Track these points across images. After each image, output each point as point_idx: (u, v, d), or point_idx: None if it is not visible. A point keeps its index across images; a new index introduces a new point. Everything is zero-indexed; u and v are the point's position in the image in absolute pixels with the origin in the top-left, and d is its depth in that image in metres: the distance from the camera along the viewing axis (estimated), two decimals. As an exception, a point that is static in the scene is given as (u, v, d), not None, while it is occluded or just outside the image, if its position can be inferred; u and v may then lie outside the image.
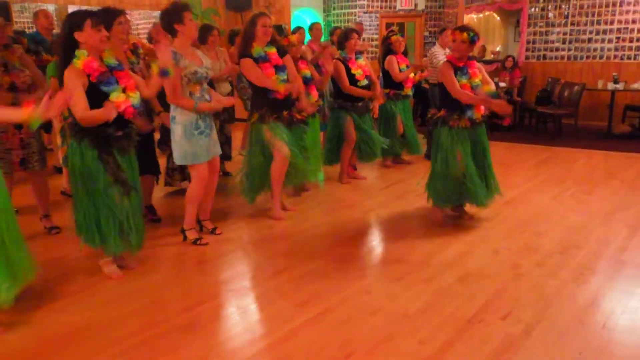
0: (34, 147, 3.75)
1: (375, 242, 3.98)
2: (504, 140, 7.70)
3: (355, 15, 11.26)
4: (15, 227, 2.62)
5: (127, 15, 4.51)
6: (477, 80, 3.84)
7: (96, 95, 2.86)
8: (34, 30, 5.77)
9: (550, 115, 7.83)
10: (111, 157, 3.00)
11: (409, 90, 5.87)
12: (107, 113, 2.85)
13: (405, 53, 5.92)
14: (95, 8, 7.46)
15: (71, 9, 7.34)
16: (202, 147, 3.57)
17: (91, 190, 2.99)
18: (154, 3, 8.37)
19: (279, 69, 4.04)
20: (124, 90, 2.97)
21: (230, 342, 2.56)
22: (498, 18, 10.63)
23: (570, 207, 4.55)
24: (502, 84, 8.64)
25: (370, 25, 11.28)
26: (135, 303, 2.93)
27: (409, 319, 2.73)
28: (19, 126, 3.60)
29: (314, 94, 4.72)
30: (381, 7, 11.34)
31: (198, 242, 3.72)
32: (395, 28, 9.95)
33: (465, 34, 3.72)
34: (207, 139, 3.60)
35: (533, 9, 9.05)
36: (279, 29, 7.24)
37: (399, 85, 5.77)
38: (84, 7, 7.56)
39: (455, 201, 4.09)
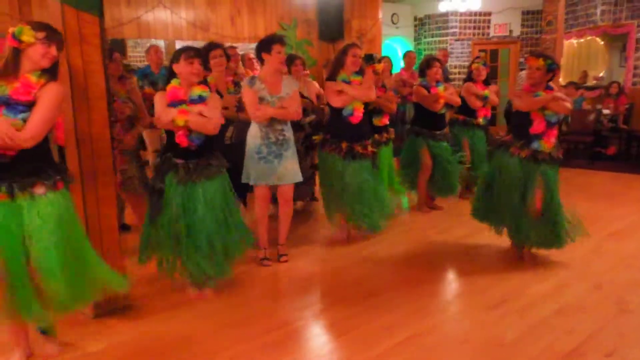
0: (130, 172, 4.11)
1: (463, 270, 3.87)
2: (609, 170, 7.24)
3: (446, 43, 11.20)
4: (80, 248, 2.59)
5: (235, 49, 4.88)
6: (550, 111, 3.55)
7: None
8: (146, 64, 6.31)
9: (661, 144, 7.26)
10: (157, 181, 3.12)
11: (480, 120, 5.59)
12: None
13: (486, 82, 5.69)
14: (200, 43, 8.05)
15: (179, 44, 8.00)
16: (260, 172, 3.68)
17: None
18: (252, 36, 8.87)
19: None
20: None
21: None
22: (602, 42, 10.09)
23: (684, 243, 4.18)
24: (605, 111, 8.16)
25: (462, 53, 11.17)
26: (225, 319, 3.07)
27: (502, 349, 2.64)
28: None
29: (385, 120, 4.80)
30: (473, 34, 11.20)
31: (263, 262, 3.86)
32: (482, 55, 9.82)
33: (540, 61, 3.54)
34: (267, 165, 3.67)
35: (641, 32, 8.51)
36: (369, 57, 7.41)
37: (471, 113, 5.55)
38: (190, 43, 8.19)
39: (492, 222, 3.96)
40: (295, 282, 3.64)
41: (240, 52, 6.50)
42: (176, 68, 3.08)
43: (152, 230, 3.13)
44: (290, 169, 3.76)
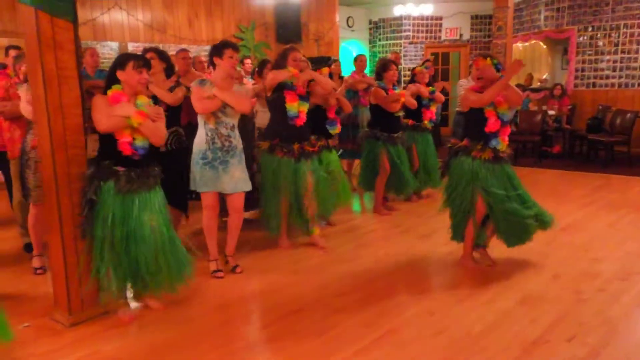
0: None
1: (429, 267, 4.04)
2: (554, 168, 7.67)
3: (400, 46, 11.52)
4: None
5: (187, 52, 4.84)
6: (503, 109, 3.62)
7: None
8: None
9: (602, 142, 7.76)
10: (93, 190, 2.94)
11: (427, 123, 5.75)
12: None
13: (429, 84, 5.82)
14: (158, 45, 7.93)
15: (132, 46, 7.86)
16: (206, 178, 3.60)
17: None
18: (210, 39, 8.83)
19: (302, 98, 4.15)
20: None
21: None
22: (544, 46, 10.65)
23: (629, 234, 4.53)
24: (550, 112, 8.63)
25: (415, 56, 11.51)
26: (203, 325, 3.12)
27: (474, 340, 2.81)
28: None
29: (338, 126, 4.79)
30: (426, 38, 11.56)
31: (215, 274, 3.74)
32: (431, 57, 10.16)
33: (488, 60, 3.63)
34: (212, 172, 3.59)
35: (582, 38, 9.05)
36: (327, 60, 7.53)
37: (418, 117, 5.69)
38: (147, 45, 8.07)
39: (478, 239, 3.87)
40: (259, 290, 3.63)
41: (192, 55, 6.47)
42: (121, 75, 2.99)
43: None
44: (237, 177, 3.68)
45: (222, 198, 3.83)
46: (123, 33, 7.83)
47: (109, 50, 7.71)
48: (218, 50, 3.62)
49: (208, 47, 8.58)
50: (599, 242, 4.35)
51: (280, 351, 2.77)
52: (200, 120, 3.65)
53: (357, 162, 5.61)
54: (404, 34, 11.48)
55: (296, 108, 4.07)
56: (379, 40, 11.96)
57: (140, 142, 2.99)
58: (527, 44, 10.53)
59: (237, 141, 3.71)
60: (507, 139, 3.70)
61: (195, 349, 2.79)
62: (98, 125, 2.94)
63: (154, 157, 3.17)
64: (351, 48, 11.87)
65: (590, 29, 8.93)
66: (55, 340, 2.87)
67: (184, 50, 5.06)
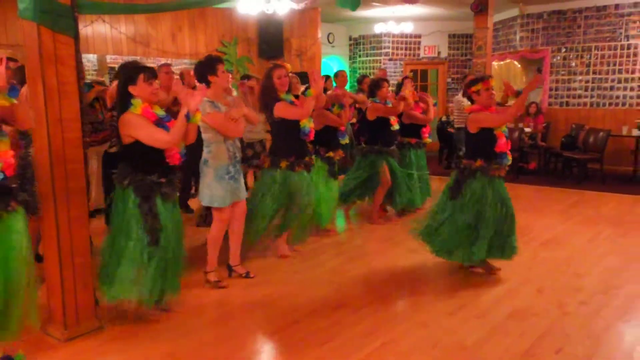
0: None
1: (422, 279, 4.12)
2: (531, 184, 7.89)
3: (380, 63, 11.73)
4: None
5: (169, 66, 4.92)
6: (505, 128, 3.88)
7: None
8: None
9: (577, 160, 8.03)
10: (151, 204, 3.07)
11: (427, 139, 6.04)
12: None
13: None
14: (142, 58, 7.92)
15: (110, 58, 7.82)
16: (229, 192, 3.71)
17: (120, 236, 3.09)
18: (193, 52, 8.86)
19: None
20: None
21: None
22: (519, 65, 10.99)
23: (607, 250, 4.70)
24: (526, 129, 8.89)
25: (394, 72, 11.72)
26: (203, 337, 3.13)
27: (468, 352, 2.90)
28: None
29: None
30: (405, 55, 11.81)
31: (218, 284, 3.79)
32: (410, 75, 10.35)
33: (492, 81, 3.91)
34: (235, 184, 3.74)
35: (555, 58, 9.39)
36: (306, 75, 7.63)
37: (418, 134, 5.94)
38: (130, 58, 8.05)
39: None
40: (257, 302, 3.65)
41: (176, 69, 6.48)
42: (133, 90, 3.04)
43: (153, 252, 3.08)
44: (243, 185, 3.90)
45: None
46: (107, 45, 7.80)
47: (85, 62, 7.62)
48: (210, 67, 3.61)
49: (190, 61, 8.64)
50: (579, 257, 4.50)
51: (279, 365, 2.81)
52: (216, 137, 3.64)
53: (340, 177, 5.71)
54: (383, 50, 11.70)
55: (308, 125, 4.18)
56: (359, 56, 12.16)
57: (182, 149, 3.20)
58: (502, 62, 10.85)
59: None
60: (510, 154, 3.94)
61: (194, 363, 2.80)
62: (156, 141, 3.05)
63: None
64: (332, 64, 12.02)
65: (563, 49, 9.27)
66: (50, 355, 2.84)
67: (167, 65, 5.09)
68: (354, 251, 4.75)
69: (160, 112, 3.18)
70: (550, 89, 9.52)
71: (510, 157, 3.90)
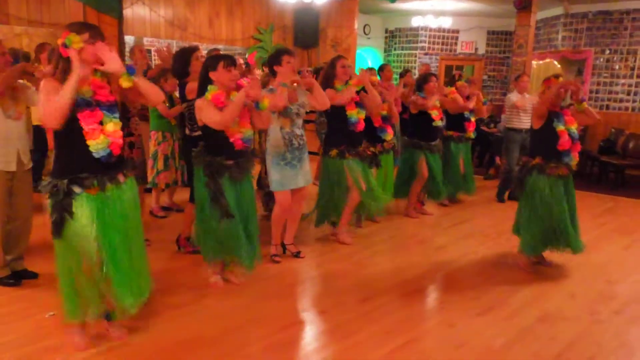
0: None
1: (451, 277, 4.08)
2: (565, 187, 7.70)
3: (415, 57, 11.58)
4: (142, 242, 2.83)
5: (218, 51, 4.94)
6: (574, 128, 3.86)
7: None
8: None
9: (614, 165, 7.81)
10: (216, 183, 3.28)
11: (471, 134, 6.13)
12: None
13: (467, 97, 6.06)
14: (179, 42, 8.00)
15: (145, 40, 7.92)
16: (287, 177, 3.91)
17: (201, 212, 3.39)
18: (230, 38, 8.90)
19: (359, 105, 4.40)
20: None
21: (326, 362, 2.73)
22: (558, 65, 10.71)
23: (643, 258, 4.57)
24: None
25: (430, 67, 11.56)
26: (236, 319, 3.16)
27: (496, 355, 2.85)
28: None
29: (390, 132, 5.01)
30: (441, 50, 11.63)
31: (274, 257, 4.10)
32: (463, 73, 10.18)
33: (560, 78, 3.86)
34: (292, 171, 3.92)
35: (598, 60, 9.11)
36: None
37: (462, 128, 6.02)
38: (168, 42, 8.14)
39: (544, 249, 4.06)
40: (293, 284, 3.77)
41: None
42: (213, 75, 3.23)
43: (214, 227, 3.32)
44: (307, 171, 4.07)
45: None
46: (144, 28, 7.89)
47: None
48: (276, 58, 3.86)
49: (225, 47, 8.68)
50: (615, 264, 4.38)
51: (305, 353, 2.81)
52: (275, 123, 3.83)
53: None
54: (419, 44, 11.54)
55: (356, 115, 4.33)
56: (394, 49, 12.02)
57: (247, 135, 3.31)
58: (541, 62, 10.59)
59: (305, 138, 4.04)
60: (577, 155, 3.90)
61: (216, 348, 2.83)
62: (210, 122, 3.19)
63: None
64: (366, 55, 11.93)
65: (607, 51, 8.99)
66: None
67: (216, 50, 5.12)
68: (382, 244, 4.73)
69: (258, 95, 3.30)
70: (591, 92, 9.24)
71: (575, 158, 3.85)
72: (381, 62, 11.81)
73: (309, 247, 4.50)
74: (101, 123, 2.46)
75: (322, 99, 3.91)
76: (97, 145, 2.45)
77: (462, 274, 4.10)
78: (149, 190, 5.40)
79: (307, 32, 9.75)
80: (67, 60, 2.38)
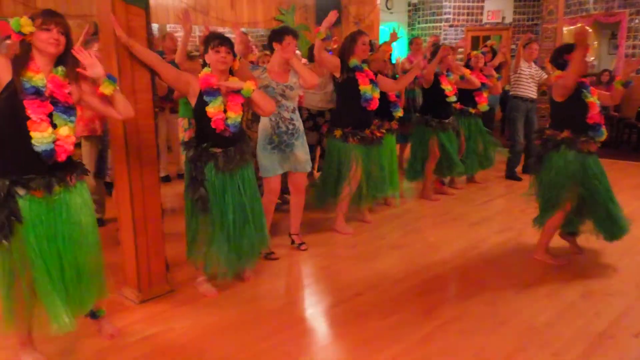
0: None
1: (484, 255, 4.02)
2: (602, 157, 7.46)
3: (440, 29, 11.31)
4: (94, 249, 2.51)
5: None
6: (596, 98, 3.59)
7: (202, 105, 3.01)
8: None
9: (653, 131, 7.54)
10: (197, 170, 3.04)
11: (482, 107, 5.68)
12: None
13: (497, 69, 5.85)
14: (201, 28, 7.96)
15: (168, 27, 7.92)
16: (273, 161, 3.70)
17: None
18: (252, 21, 8.84)
19: (373, 82, 4.18)
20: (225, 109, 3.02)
21: (366, 346, 2.72)
22: (590, 30, 10.33)
23: (688, 228, 4.41)
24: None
25: (455, 39, 11.28)
26: (268, 305, 3.20)
27: (539, 332, 2.81)
28: None
29: (400, 108, 4.91)
30: (467, 21, 11.33)
31: (269, 256, 3.82)
32: (489, 43, 9.86)
33: (590, 49, 3.65)
34: (280, 155, 3.71)
35: (633, 22, 8.74)
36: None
37: (468, 102, 5.63)
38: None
39: (571, 227, 3.79)
40: (316, 274, 3.72)
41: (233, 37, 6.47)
42: (207, 58, 3.04)
43: (198, 222, 3.11)
44: (301, 158, 3.81)
45: (283, 179, 3.97)
46: (167, 15, 7.88)
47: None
48: (279, 35, 3.63)
49: (247, 29, 8.62)
50: (657, 235, 4.25)
51: (344, 335, 2.83)
52: None
53: (409, 146, 5.65)
54: (444, 16, 11.26)
55: (370, 91, 4.10)
56: (418, 23, 11.77)
57: (232, 121, 3.01)
58: (572, 27, 10.22)
59: (300, 123, 3.80)
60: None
61: (260, 329, 2.86)
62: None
63: (244, 134, 3.24)
64: (389, 31, 11.71)
65: (643, 12, 8.61)
66: (127, 316, 2.97)
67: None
68: (413, 224, 4.69)
69: (236, 84, 3.04)
70: (626, 55, 8.89)
71: (605, 131, 3.54)
72: (406, 37, 11.59)
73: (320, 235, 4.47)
74: (53, 124, 2.26)
75: (309, 77, 3.60)
76: (41, 138, 2.22)
77: (496, 252, 4.03)
78: (167, 179, 5.37)
79: (328, 10, 9.51)
80: (23, 45, 2.23)
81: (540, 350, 2.64)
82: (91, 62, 2.35)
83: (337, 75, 4.18)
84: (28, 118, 2.21)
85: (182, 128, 5.09)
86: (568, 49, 3.58)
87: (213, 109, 2.98)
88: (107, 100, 2.47)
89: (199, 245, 3.14)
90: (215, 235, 3.07)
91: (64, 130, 2.29)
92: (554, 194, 3.63)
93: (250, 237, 3.19)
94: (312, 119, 5.03)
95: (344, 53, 4.16)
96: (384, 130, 4.49)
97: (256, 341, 2.75)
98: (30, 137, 2.22)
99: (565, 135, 3.55)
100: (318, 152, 5.28)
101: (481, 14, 11.29)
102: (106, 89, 2.39)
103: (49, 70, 2.30)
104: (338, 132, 4.19)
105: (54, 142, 2.27)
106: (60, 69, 2.32)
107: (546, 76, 5.98)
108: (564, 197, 3.59)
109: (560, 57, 3.65)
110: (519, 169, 6.31)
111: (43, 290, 2.29)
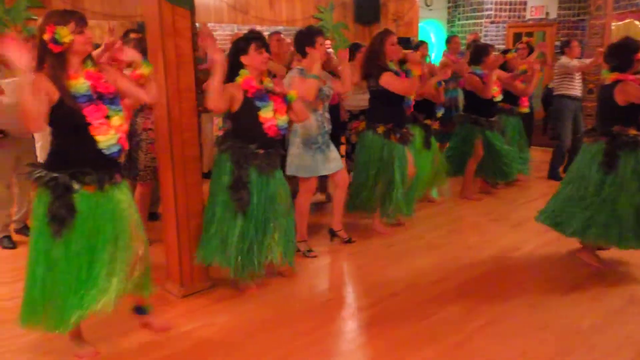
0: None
1: (526, 257, 3.94)
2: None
3: (481, 26, 11.11)
4: (129, 247, 2.47)
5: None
6: None
7: (250, 109, 3.03)
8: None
9: None
10: (243, 172, 3.01)
11: (524, 109, 5.67)
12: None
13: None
14: (241, 27, 8.07)
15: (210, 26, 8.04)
16: (318, 162, 3.72)
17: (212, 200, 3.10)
18: (290, 19, 8.90)
19: None
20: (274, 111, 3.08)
21: (402, 347, 2.71)
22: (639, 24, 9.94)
23: None
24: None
25: (496, 36, 11.07)
26: (305, 303, 3.23)
27: (583, 337, 2.75)
28: None
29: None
30: (509, 17, 11.09)
31: (309, 254, 3.84)
32: (525, 39, 9.65)
33: None
34: (323, 155, 3.74)
35: (686, 17, 8.38)
36: (407, 41, 7.41)
37: (510, 101, 5.52)
38: (231, 26, 8.24)
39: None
40: (352, 273, 3.74)
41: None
42: (245, 59, 3.03)
43: (237, 222, 3.03)
44: (337, 156, 3.89)
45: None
46: (209, 14, 8.02)
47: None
48: (309, 39, 3.61)
49: (285, 28, 8.68)
50: None
51: (380, 335, 2.82)
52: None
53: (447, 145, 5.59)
54: (485, 12, 11.05)
55: (411, 97, 4.21)
56: (458, 19, 11.60)
57: (282, 123, 3.11)
58: (620, 23, 9.87)
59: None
60: None
61: (296, 327, 2.89)
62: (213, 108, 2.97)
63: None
64: (429, 28, 11.58)
65: (697, 6, 8.24)
66: (169, 310, 3.06)
67: (277, 33, 5.14)
68: (452, 224, 4.64)
69: (268, 84, 3.13)
70: (678, 52, 8.53)
71: None
72: (445, 34, 11.43)
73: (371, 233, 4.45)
74: (107, 117, 2.34)
75: (349, 83, 3.75)
76: (106, 140, 2.33)
77: (538, 254, 3.95)
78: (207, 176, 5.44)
79: (367, 8, 9.56)
80: (58, 56, 2.25)
81: (585, 355, 2.58)
82: (125, 51, 2.53)
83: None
84: (89, 124, 2.30)
85: (217, 127, 5.17)
86: (634, 48, 3.37)
87: (266, 114, 3.04)
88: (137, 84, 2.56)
89: (229, 246, 3.02)
90: (247, 234, 3.02)
91: (115, 121, 2.38)
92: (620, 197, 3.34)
93: (287, 234, 3.21)
94: (354, 120, 5.03)
95: (372, 56, 4.03)
96: (430, 129, 4.66)
97: (292, 338, 2.78)
98: (91, 139, 2.32)
99: (635, 134, 3.35)
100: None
101: (524, 9, 11.03)
102: (145, 69, 2.53)
103: (82, 68, 2.35)
104: (381, 128, 4.08)
105: (117, 140, 2.38)
106: (89, 62, 2.38)
107: (588, 61, 5.93)
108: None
109: (622, 56, 3.41)
110: (561, 169, 6.15)
111: (100, 271, 2.31)
